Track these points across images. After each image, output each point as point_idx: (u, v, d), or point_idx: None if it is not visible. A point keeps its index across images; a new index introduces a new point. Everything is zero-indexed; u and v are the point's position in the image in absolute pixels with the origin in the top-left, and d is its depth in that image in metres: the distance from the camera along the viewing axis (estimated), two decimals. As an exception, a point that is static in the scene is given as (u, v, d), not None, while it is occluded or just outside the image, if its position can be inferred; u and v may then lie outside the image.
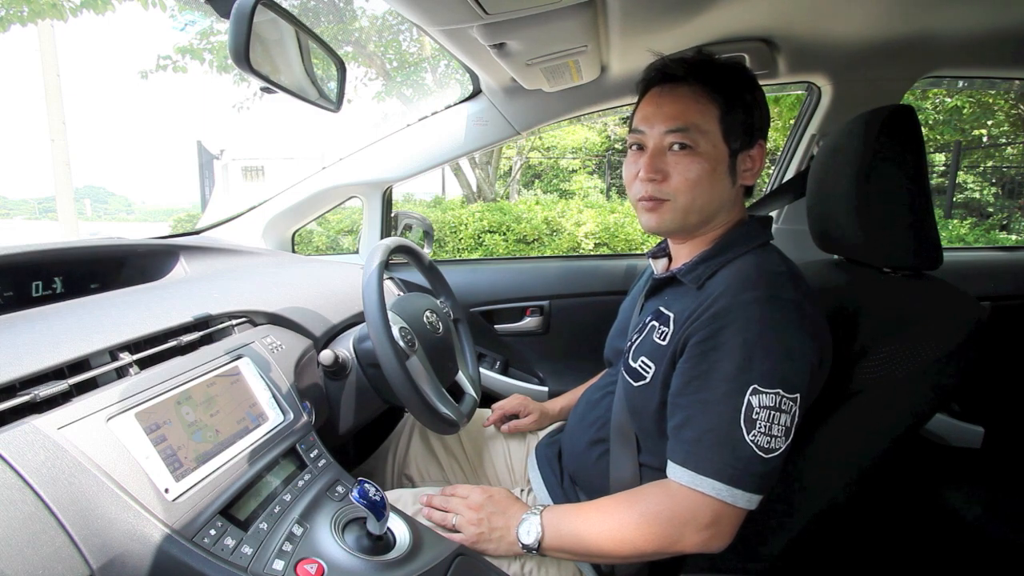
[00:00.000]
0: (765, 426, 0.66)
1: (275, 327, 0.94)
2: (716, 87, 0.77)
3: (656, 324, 0.81)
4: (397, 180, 1.51)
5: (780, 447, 0.67)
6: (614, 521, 0.71)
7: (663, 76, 0.80)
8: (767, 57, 1.28)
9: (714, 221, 0.82)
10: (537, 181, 11.05)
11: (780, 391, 0.67)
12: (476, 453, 1.13)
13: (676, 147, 0.77)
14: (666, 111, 0.77)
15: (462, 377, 1.14)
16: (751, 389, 0.66)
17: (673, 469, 0.71)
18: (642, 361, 0.80)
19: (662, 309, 0.81)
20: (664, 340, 0.78)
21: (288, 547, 0.63)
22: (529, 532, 0.74)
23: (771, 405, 0.66)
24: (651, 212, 0.80)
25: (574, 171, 10.79)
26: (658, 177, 0.78)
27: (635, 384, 0.80)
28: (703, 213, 0.79)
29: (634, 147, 0.82)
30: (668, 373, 0.75)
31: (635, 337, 0.84)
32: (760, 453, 0.66)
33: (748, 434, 0.66)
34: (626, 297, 1.05)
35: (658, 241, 0.96)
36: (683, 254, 0.86)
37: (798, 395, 0.68)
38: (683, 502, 0.68)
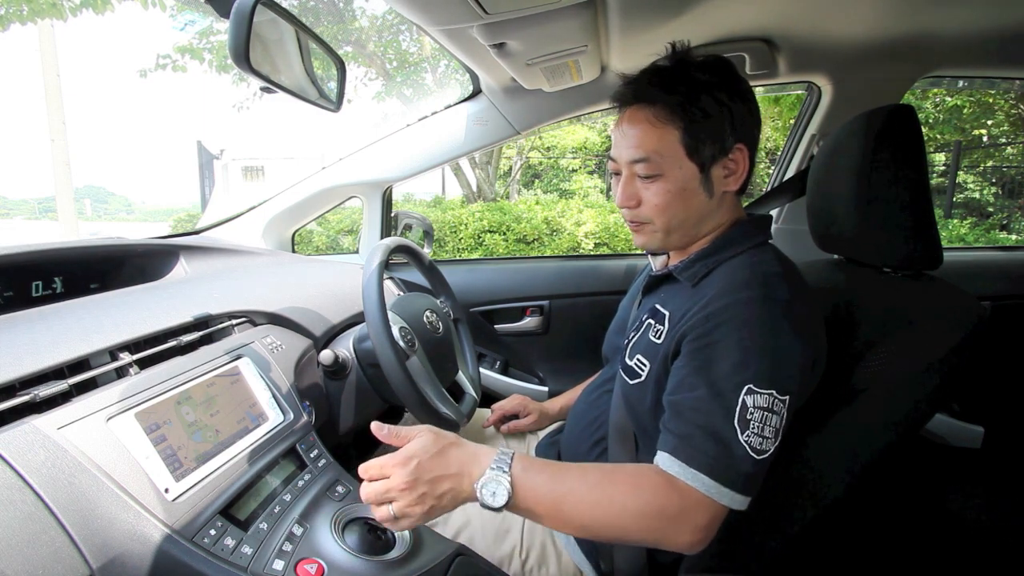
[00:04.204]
0: (758, 427, 0.65)
1: (275, 327, 0.94)
2: (675, 102, 0.74)
3: (652, 322, 0.81)
4: (397, 180, 1.51)
5: (770, 449, 0.66)
6: (613, 507, 0.64)
7: (622, 101, 0.79)
8: (767, 57, 1.29)
9: (703, 229, 0.81)
10: (537, 181, 11.05)
11: (774, 392, 0.66)
12: (476, 453, 1.12)
13: (643, 175, 0.77)
14: (628, 140, 0.77)
15: (462, 377, 1.14)
16: (746, 389, 0.66)
17: (664, 459, 0.67)
18: (637, 359, 0.80)
19: (658, 307, 0.81)
20: (659, 338, 0.78)
21: (288, 547, 0.63)
22: (495, 495, 0.64)
23: (764, 406, 0.66)
24: (636, 233, 0.83)
25: (574, 171, 10.79)
26: (632, 203, 0.79)
27: (631, 382, 0.80)
28: (683, 229, 0.79)
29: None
30: (662, 372, 0.75)
31: (632, 335, 0.85)
32: (752, 454, 0.65)
33: (742, 434, 0.65)
34: (627, 294, 1.05)
35: None
36: (680, 251, 0.86)
37: (788, 397, 0.67)
38: (688, 500, 0.64)
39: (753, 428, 0.65)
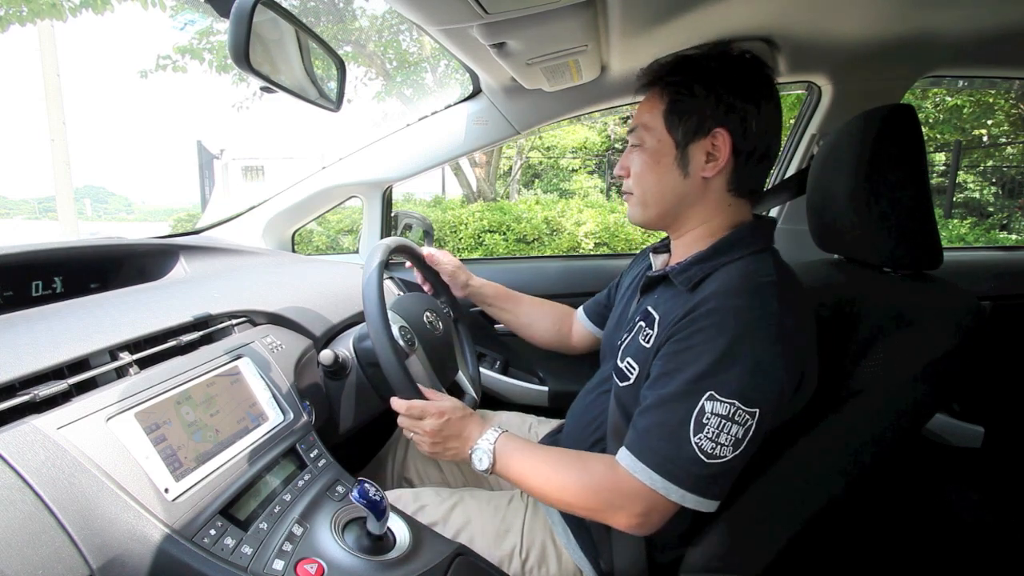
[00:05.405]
0: (713, 432, 0.67)
1: (275, 327, 0.94)
2: (672, 81, 0.80)
3: (643, 325, 0.81)
4: (397, 180, 1.51)
5: (726, 455, 0.67)
6: (558, 482, 0.75)
7: (642, 82, 0.86)
8: (767, 57, 1.28)
9: (685, 215, 0.83)
10: (537, 181, 11.05)
11: (736, 402, 0.67)
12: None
13: (633, 146, 0.85)
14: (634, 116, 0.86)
15: (462, 377, 1.14)
16: (708, 394, 0.67)
17: (622, 452, 0.72)
18: (628, 362, 0.81)
19: (650, 309, 0.82)
20: (648, 342, 0.78)
21: (288, 547, 0.63)
22: (481, 460, 0.81)
23: (723, 414, 0.67)
24: (627, 203, 0.89)
25: (574, 171, 10.79)
26: (623, 172, 0.87)
27: (621, 384, 0.81)
28: (660, 205, 0.83)
29: None
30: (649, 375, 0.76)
31: (625, 336, 0.85)
32: (701, 456, 0.67)
33: (694, 436, 0.67)
34: (621, 286, 1.05)
35: (661, 237, 0.96)
36: (680, 252, 0.86)
37: (757, 410, 0.67)
38: (625, 487, 0.70)
39: (707, 433, 0.67)
